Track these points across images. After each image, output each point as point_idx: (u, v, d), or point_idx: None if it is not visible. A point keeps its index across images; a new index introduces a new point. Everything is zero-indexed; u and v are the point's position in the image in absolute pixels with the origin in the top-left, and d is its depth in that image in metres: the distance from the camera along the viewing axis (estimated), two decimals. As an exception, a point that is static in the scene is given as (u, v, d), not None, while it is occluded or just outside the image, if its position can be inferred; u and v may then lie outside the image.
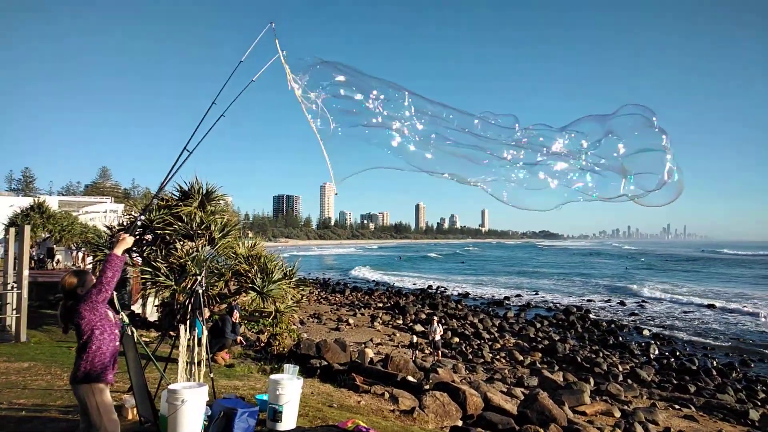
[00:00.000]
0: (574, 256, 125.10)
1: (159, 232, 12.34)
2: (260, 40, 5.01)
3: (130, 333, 6.20)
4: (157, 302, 15.04)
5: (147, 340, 13.23)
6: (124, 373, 6.41)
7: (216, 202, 13.37)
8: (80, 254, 28.35)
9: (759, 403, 14.73)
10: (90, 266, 22.38)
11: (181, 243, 12.31)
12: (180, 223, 12.11)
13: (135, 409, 5.99)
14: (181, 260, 11.62)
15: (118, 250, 4.38)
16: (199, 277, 7.27)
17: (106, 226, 16.20)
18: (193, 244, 12.31)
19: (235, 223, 13.72)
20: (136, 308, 17.41)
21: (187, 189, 13.00)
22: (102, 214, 40.42)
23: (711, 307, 33.91)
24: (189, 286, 11.15)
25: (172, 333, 10.16)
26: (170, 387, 5.40)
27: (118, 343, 4.48)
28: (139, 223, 9.80)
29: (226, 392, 7.30)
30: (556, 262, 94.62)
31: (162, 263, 11.70)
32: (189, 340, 6.76)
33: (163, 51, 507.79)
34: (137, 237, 13.45)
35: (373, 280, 55.49)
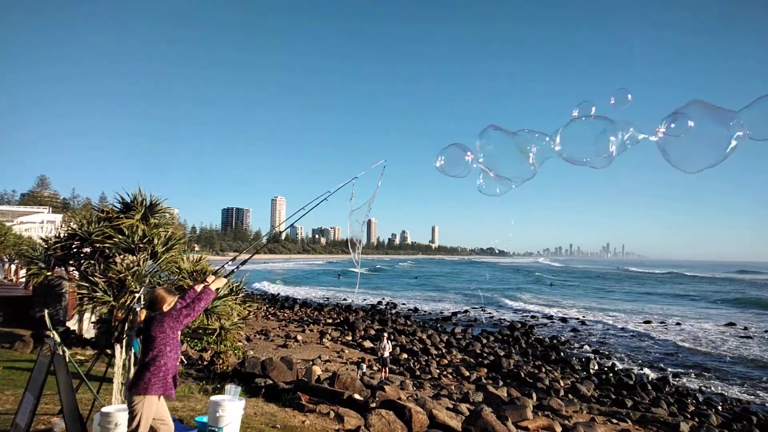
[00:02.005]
0: (498, 271, 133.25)
1: (98, 245, 11.86)
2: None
3: (61, 352, 5.93)
4: (94, 319, 14.40)
5: (82, 358, 12.62)
6: (54, 394, 6.11)
7: (160, 214, 12.98)
8: (13, 266, 26.87)
9: (689, 416, 15.43)
10: (23, 279, 21.18)
11: (122, 257, 11.87)
12: (120, 236, 11.67)
13: (64, 433, 5.72)
14: (121, 275, 11.20)
15: (214, 286, 5.02)
16: (137, 294, 7.04)
17: (42, 238, 15.42)
18: (134, 258, 11.89)
19: (180, 236, 13.34)
20: (72, 324, 16.61)
21: (129, 201, 12.57)
22: (38, 225, 38.55)
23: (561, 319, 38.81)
24: (128, 302, 10.75)
25: (108, 351, 9.75)
26: (103, 409, 5.22)
27: (178, 363, 4.78)
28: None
29: (164, 413, 7.05)
30: (464, 278, 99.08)
31: (100, 278, 11.23)
32: (125, 359, 6.52)
33: (106, 55, 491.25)
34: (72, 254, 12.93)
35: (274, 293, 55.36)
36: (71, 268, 13.54)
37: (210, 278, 5.22)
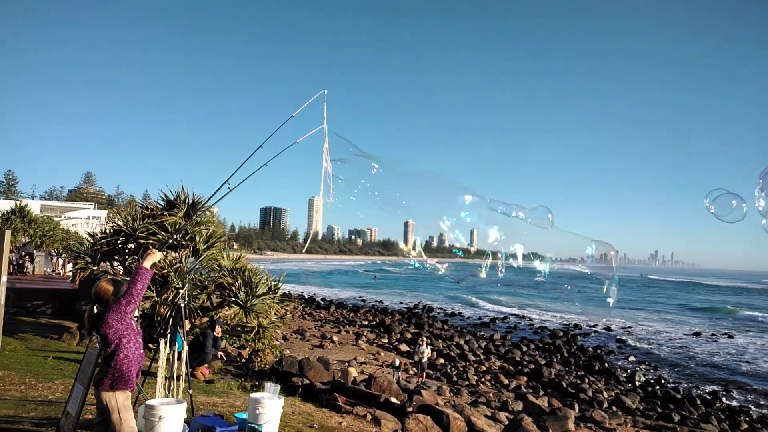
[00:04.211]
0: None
1: (142, 241, 12.11)
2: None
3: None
4: (137, 313, 14.71)
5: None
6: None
7: (202, 212, 13.17)
8: (60, 260, 27.83)
9: (742, 435, 14.69)
10: (70, 273, 21.92)
11: (164, 253, 12.07)
12: (164, 233, 11.88)
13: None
14: (164, 271, 11.38)
15: (147, 264, 4.59)
16: (182, 291, 7.10)
17: (89, 233, 15.87)
18: (177, 254, 12.08)
19: (221, 234, 13.51)
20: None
21: (172, 198, 12.80)
22: (84, 221, 39.95)
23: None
24: (170, 297, 10.91)
25: (151, 346, 9.92)
26: (148, 402, 5.25)
27: (142, 351, 4.60)
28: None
29: (205, 409, 7.08)
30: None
31: (144, 273, 11.44)
32: (168, 354, 6.57)
33: (156, 53, 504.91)
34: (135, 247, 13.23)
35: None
36: (116, 263, 13.88)
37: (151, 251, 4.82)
